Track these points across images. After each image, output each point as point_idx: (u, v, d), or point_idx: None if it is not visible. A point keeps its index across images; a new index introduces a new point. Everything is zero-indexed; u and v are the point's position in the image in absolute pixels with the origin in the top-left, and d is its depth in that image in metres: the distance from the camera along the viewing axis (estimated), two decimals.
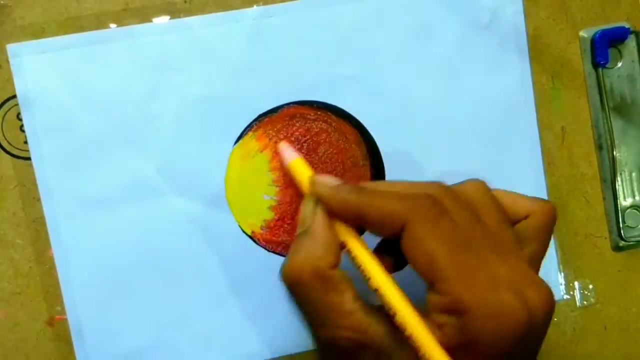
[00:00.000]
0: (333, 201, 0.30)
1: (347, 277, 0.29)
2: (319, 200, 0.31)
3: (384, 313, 0.29)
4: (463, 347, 0.26)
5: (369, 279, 0.29)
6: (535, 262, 0.31)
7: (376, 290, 0.29)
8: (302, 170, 0.35)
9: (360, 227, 0.31)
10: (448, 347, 0.26)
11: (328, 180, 0.32)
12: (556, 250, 0.42)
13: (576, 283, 0.42)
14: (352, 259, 0.30)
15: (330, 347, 0.29)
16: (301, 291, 0.29)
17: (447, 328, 0.27)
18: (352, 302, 0.29)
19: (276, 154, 0.39)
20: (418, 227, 0.27)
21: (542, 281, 0.28)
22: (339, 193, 0.30)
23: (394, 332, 0.28)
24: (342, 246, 0.31)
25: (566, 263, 0.42)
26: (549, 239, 0.32)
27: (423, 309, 0.28)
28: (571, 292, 0.42)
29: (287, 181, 0.39)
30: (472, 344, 0.26)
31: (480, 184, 0.31)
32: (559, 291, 0.42)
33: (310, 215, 0.31)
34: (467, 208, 0.29)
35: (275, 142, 0.39)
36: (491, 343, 0.26)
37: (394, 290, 0.28)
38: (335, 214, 0.31)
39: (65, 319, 0.38)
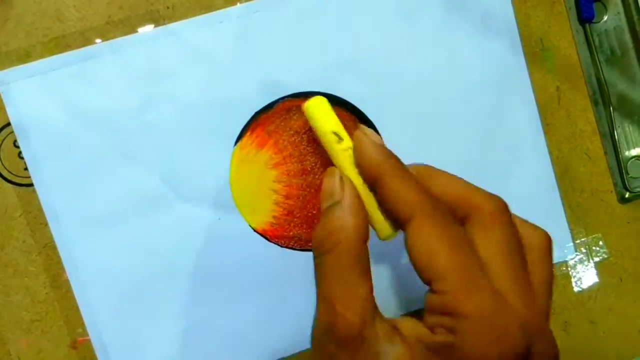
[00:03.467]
0: (366, 156, 0.30)
1: (370, 265, 0.29)
2: (357, 147, 0.30)
3: (389, 319, 0.28)
4: (449, 351, 0.25)
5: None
6: (546, 289, 0.29)
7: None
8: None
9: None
10: (434, 348, 0.26)
11: (371, 133, 0.31)
12: (564, 209, 0.42)
13: (587, 239, 0.43)
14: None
15: (328, 326, 0.27)
16: (328, 262, 0.28)
17: (438, 329, 0.26)
18: (369, 290, 0.28)
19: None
20: (425, 223, 0.27)
21: (551, 335, 0.28)
22: (376, 150, 0.30)
23: (393, 335, 0.27)
24: None
25: (575, 221, 0.43)
26: (552, 263, 0.30)
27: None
28: (583, 250, 0.43)
29: (292, 175, 0.39)
30: (459, 350, 0.25)
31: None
32: (571, 250, 0.42)
33: (338, 186, 0.30)
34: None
35: (275, 138, 0.39)
36: (478, 356, 0.25)
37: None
38: (359, 170, 0.30)
39: (89, 340, 0.38)
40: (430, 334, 0.26)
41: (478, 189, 0.29)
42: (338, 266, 0.27)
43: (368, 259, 0.28)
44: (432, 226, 0.27)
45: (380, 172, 0.29)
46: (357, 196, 0.30)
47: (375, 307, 0.28)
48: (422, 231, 0.27)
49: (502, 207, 0.29)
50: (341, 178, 0.30)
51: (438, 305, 0.26)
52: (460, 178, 0.30)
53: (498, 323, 0.25)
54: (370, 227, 0.30)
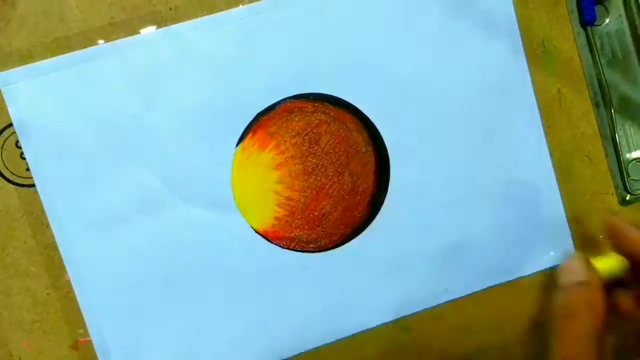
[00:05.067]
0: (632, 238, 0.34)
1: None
2: (615, 232, 0.35)
3: None
4: None
5: None
6: None
7: None
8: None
9: None
10: None
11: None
12: (565, 211, 0.42)
13: (587, 242, 0.43)
14: None
15: None
16: (571, 328, 0.30)
17: None
18: None
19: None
20: None
21: None
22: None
23: None
24: None
25: (576, 223, 0.43)
26: None
27: None
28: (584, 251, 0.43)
29: (294, 176, 0.39)
30: None
31: None
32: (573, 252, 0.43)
33: (585, 270, 0.33)
34: None
35: (277, 139, 0.39)
36: None
37: None
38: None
39: (90, 341, 0.38)
40: None
41: None
42: (587, 335, 0.30)
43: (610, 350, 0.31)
44: None
45: None
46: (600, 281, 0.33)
47: None
48: None
49: None
50: (588, 262, 0.33)
51: None
52: None
53: None
54: None
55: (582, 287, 0.32)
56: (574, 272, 0.33)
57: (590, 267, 0.33)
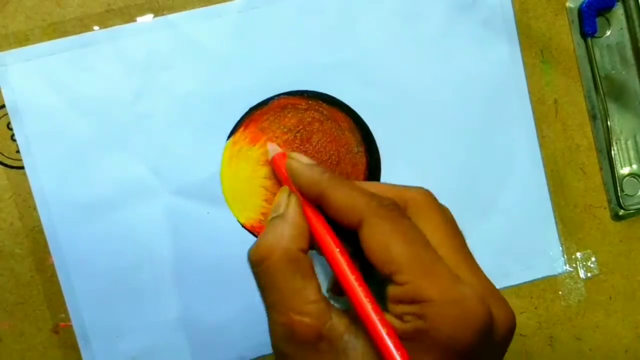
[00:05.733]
0: (303, 177, 0.32)
1: (314, 267, 0.30)
2: (291, 173, 0.33)
3: (344, 310, 0.29)
4: (422, 335, 0.26)
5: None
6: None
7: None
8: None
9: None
10: (407, 335, 0.26)
11: (303, 158, 0.34)
12: (556, 224, 0.42)
13: (578, 255, 0.42)
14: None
15: (287, 334, 0.28)
16: (268, 271, 0.29)
17: (407, 317, 0.26)
18: (317, 290, 0.29)
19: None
20: (376, 222, 0.28)
21: (505, 299, 0.29)
22: (311, 170, 0.32)
23: (353, 327, 0.28)
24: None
25: (567, 236, 0.42)
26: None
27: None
28: (574, 265, 0.42)
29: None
30: (431, 331, 0.26)
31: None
32: (561, 264, 0.42)
33: (285, 201, 0.32)
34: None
35: (268, 135, 0.39)
36: (450, 333, 0.26)
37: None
38: (302, 193, 0.32)
39: (70, 326, 0.38)
40: (400, 322, 0.27)
41: (404, 186, 0.31)
42: (281, 274, 0.29)
43: (310, 264, 0.29)
44: (383, 223, 0.28)
45: (322, 187, 0.30)
46: (299, 209, 0.31)
47: (329, 305, 0.28)
48: (375, 230, 0.28)
49: (431, 195, 0.31)
50: (290, 194, 0.32)
51: (402, 295, 0.27)
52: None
53: (460, 301, 0.26)
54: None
55: (275, 221, 0.31)
56: (273, 208, 0.32)
57: (288, 199, 0.32)
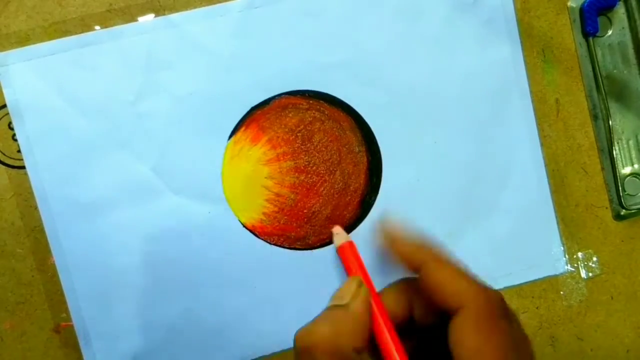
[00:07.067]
0: (402, 251, 0.30)
1: None
2: (391, 240, 0.31)
3: None
4: None
5: None
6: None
7: None
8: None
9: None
10: None
11: (396, 223, 0.32)
12: (557, 223, 0.42)
13: (580, 254, 0.42)
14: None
15: None
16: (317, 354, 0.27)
17: None
18: None
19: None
20: (474, 316, 0.26)
21: None
22: (409, 242, 0.30)
23: None
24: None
25: (568, 235, 0.42)
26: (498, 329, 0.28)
27: None
28: (575, 265, 0.42)
29: (284, 172, 0.39)
30: None
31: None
32: (563, 264, 0.42)
33: (353, 292, 0.30)
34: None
35: (269, 134, 0.39)
36: None
37: None
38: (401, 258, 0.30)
39: (71, 325, 0.38)
40: None
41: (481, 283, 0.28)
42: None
43: None
44: (483, 321, 0.26)
45: (424, 258, 0.28)
46: (367, 305, 0.29)
47: None
48: (470, 326, 0.26)
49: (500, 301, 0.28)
50: (360, 285, 0.30)
51: None
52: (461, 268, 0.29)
53: None
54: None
55: (340, 312, 0.29)
56: (339, 295, 0.30)
57: (357, 289, 0.30)
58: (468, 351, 0.25)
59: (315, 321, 0.28)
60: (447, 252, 0.30)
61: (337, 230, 0.39)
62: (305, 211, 0.40)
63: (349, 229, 0.40)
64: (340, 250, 0.37)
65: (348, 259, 0.35)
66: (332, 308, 0.29)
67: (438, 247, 0.29)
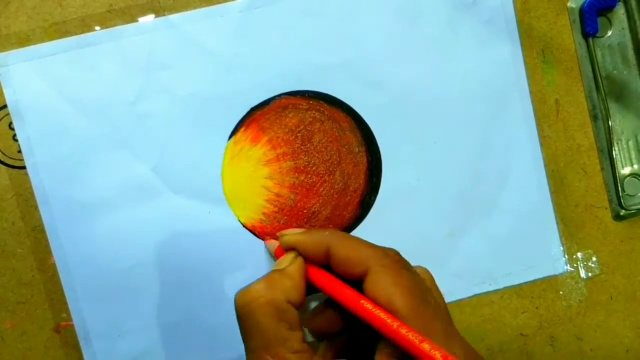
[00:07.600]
0: (307, 243, 0.33)
1: (301, 322, 0.31)
2: (295, 246, 0.34)
3: None
4: None
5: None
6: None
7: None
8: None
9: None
10: None
11: (293, 230, 0.36)
12: (557, 223, 0.42)
13: (579, 255, 0.42)
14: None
15: None
16: (252, 315, 0.30)
17: None
18: (301, 341, 0.30)
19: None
20: (381, 272, 0.29)
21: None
22: (310, 234, 0.33)
23: None
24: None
25: (568, 235, 0.42)
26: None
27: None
28: (574, 265, 0.42)
29: (284, 172, 0.39)
30: None
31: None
32: (562, 264, 0.42)
33: (289, 260, 0.33)
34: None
35: (269, 135, 0.39)
36: None
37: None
38: (311, 259, 0.33)
39: (72, 325, 0.38)
40: None
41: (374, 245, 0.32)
42: (266, 320, 0.29)
43: (297, 318, 0.30)
44: (388, 274, 0.29)
45: (327, 244, 0.32)
46: (301, 268, 0.32)
47: (311, 354, 0.30)
48: (380, 280, 0.29)
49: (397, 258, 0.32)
50: (296, 255, 0.33)
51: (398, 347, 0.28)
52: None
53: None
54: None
55: (277, 274, 0.32)
56: (277, 263, 0.34)
57: (293, 259, 0.33)
58: (382, 300, 0.29)
59: (253, 283, 0.31)
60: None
61: (270, 244, 0.39)
62: (305, 211, 0.40)
63: (348, 229, 0.40)
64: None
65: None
66: (271, 272, 0.32)
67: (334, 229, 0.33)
